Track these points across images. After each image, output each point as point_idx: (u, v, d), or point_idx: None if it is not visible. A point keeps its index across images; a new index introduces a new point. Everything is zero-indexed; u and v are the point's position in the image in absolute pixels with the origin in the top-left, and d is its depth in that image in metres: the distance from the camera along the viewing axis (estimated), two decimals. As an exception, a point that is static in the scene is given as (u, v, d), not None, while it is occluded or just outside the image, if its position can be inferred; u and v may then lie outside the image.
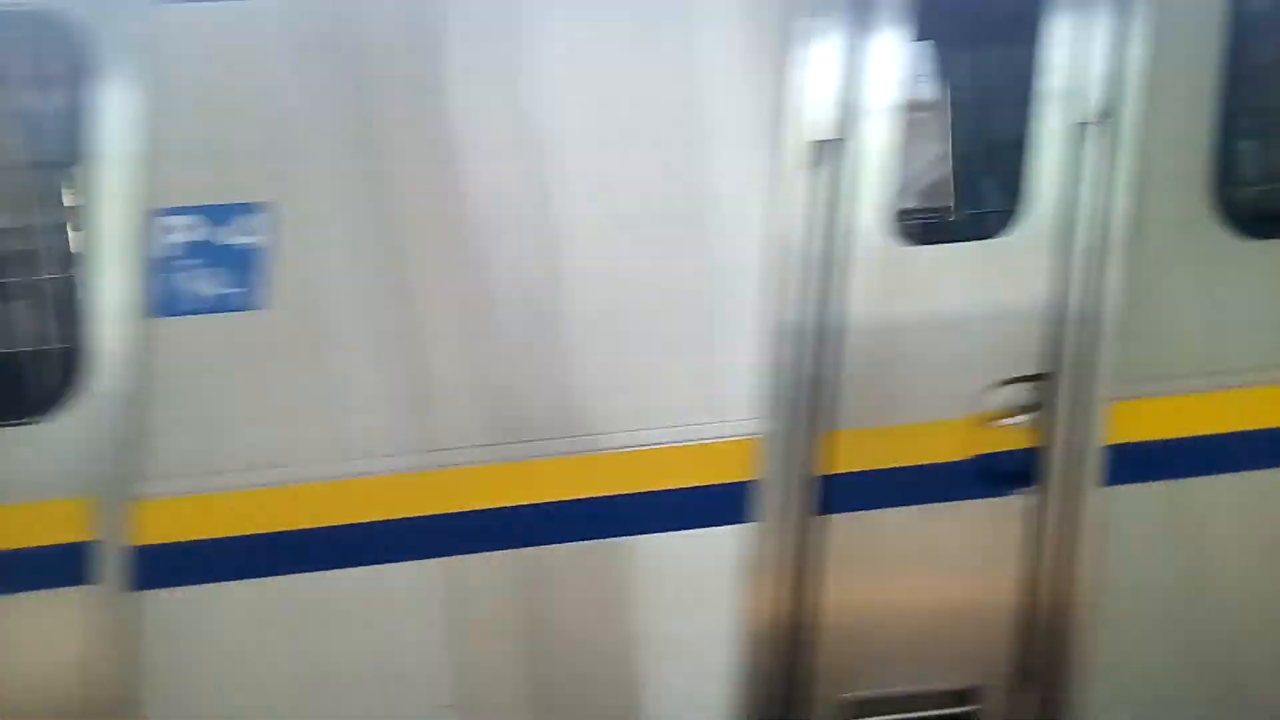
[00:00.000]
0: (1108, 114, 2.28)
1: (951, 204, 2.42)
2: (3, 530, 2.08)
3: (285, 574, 2.18)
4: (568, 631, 2.33)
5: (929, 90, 2.39)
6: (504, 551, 2.27)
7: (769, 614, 2.36)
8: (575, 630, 2.33)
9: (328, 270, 2.17)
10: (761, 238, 2.26)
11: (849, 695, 2.42)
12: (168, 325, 2.12)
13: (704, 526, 2.32)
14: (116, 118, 2.03)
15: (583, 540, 2.30)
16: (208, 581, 2.17)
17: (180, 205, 2.11)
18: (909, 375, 2.34)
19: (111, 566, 2.12)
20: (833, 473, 2.35)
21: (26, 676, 2.15)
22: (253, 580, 2.18)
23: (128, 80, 2.03)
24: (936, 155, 2.40)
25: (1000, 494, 2.37)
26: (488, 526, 2.24)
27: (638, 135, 2.23)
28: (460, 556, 2.23)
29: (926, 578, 2.40)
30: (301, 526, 2.18)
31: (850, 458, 2.35)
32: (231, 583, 2.18)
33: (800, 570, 2.36)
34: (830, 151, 2.25)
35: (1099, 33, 2.27)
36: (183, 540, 2.15)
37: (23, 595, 2.12)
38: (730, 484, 2.32)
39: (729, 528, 2.32)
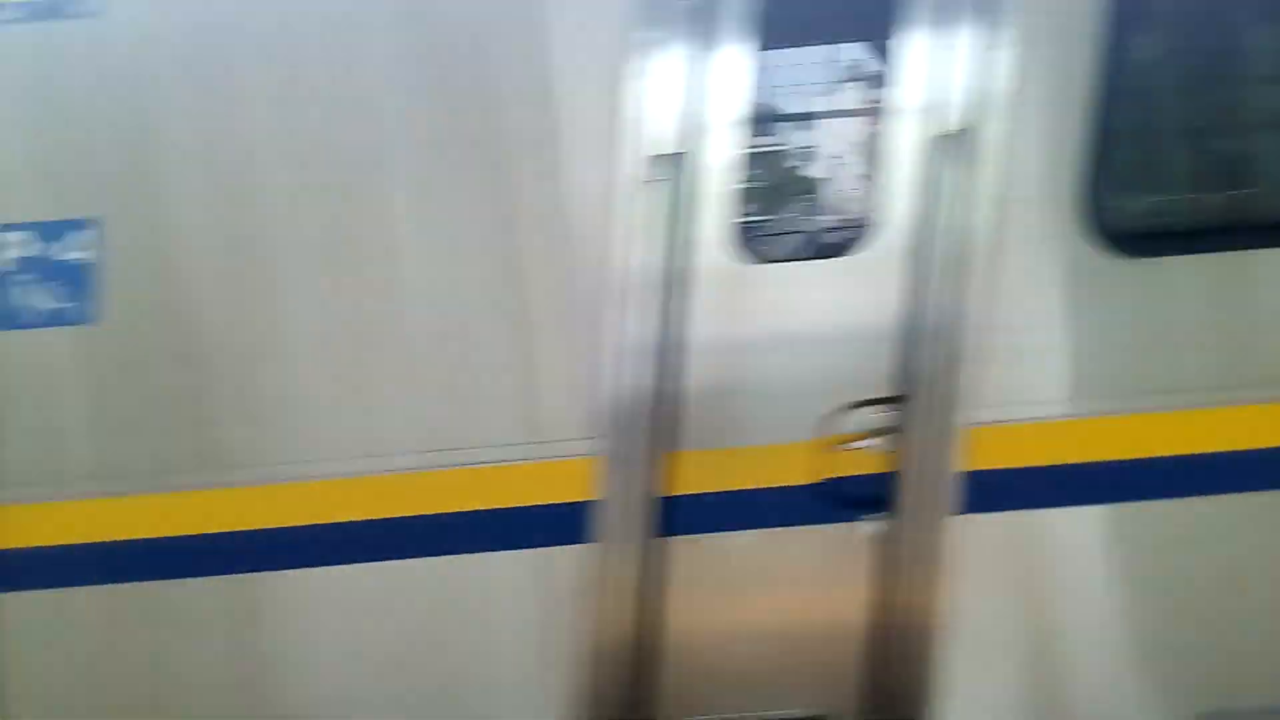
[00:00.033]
0: (968, 128, 2.16)
1: (799, 220, 2.33)
2: None
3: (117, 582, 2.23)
4: (404, 650, 2.33)
5: (776, 103, 2.28)
6: (339, 568, 2.28)
7: (611, 636, 2.33)
8: (410, 649, 2.33)
9: (158, 285, 2.19)
10: (602, 254, 2.21)
11: (696, 718, 2.38)
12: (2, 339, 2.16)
13: (542, 546, 2.30)
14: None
15: (418, 557, 2.29)
16: (46, 587, 2.23)
17: (12, 221, 2.15)
18: (754, 396, 2.27)
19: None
20: (675, 494, 2.30)
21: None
22: (88, 587, 2.24)
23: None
24: (784, 170, 2.30)
25: (849, 519, 2.29)
26: (317, 542, 2.25)
27: (474, 150, 2.19)
28: (287, 571, 2.25)
29: (773, 602, 2.34)
30: (133, 537, 2.22)
31: (693, 479, 2.30)
32: (69, 589, 2.24)
33: (642, 592, 2.32)
34: (671, 166, 2.18)
35: (960, 44, 2.15)
36: (20, 547, 2.21)
37: None
38: (569, 504, 2.29)
39: (568, 548, 2.29)
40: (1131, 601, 2.23)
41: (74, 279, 2.16)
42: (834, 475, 2.28)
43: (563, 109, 2.18)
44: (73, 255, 2.16)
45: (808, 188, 2.29)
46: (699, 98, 2.17)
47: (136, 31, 2.14)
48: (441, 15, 2.19)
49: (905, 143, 2.18)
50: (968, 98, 2.16)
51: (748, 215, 2.22)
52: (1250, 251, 2.18)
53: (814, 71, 2.23)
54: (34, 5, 2.13)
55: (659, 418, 2.26)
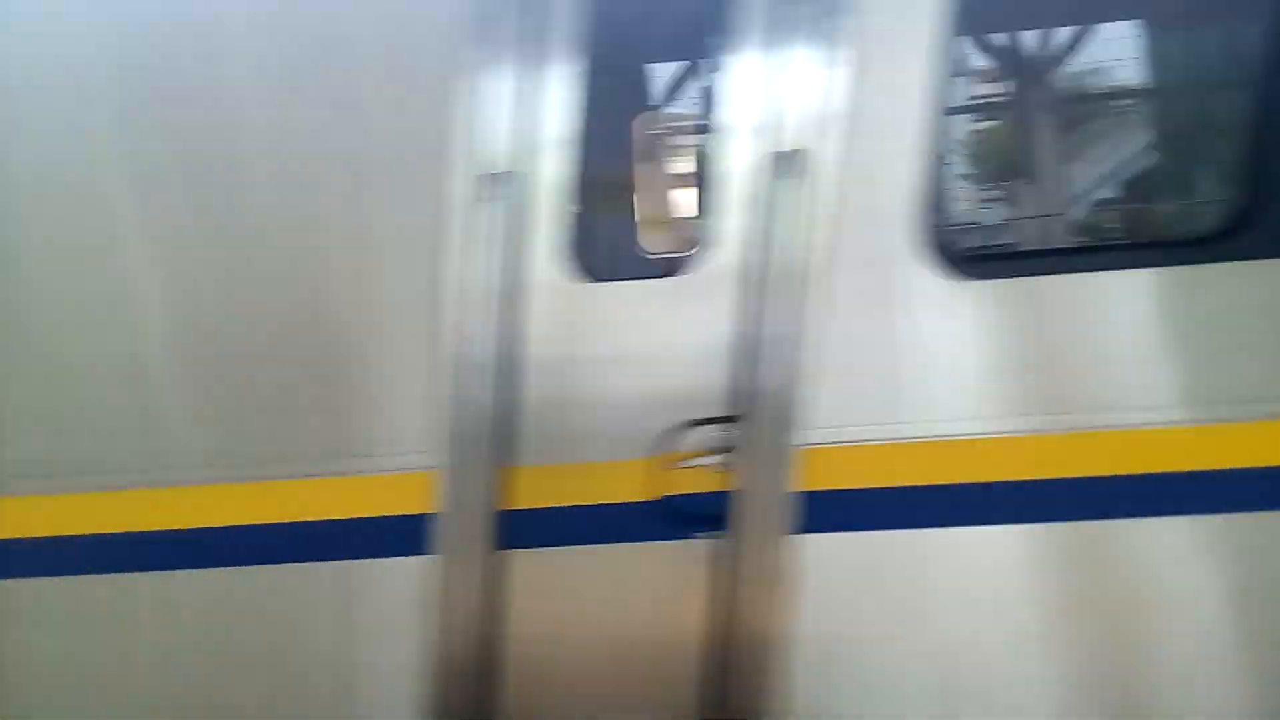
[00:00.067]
0: (802, 148, 2.14)
1: (632, 239, 2.32)
2: None
3: None
4: (254, 655, 2.38)
5: (611, 123, 2.27)
6: (175, 573, 2.33)
7: (455, 647, 2.36)
8: (259, 654, 2.38)
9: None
10: (438, 271, 2.22)
11: (537, 728, 2.41)
12: None
13: (385, 557, 2.33)
14: None
15: (264, 564, 2.34)
16: None
17: None
18: (592, 413, 2.28)
19: None
20: (514, 508, 2.31)
21: None
22: None
23: None
24: (618, 189, 2.29)
25: (686, 536, 2.29)
26: (154, 549, 2.30)
27: (311, 169, 2.21)
28: (132, 573, 2.31)
29: (612, 617, 2.35)
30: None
31: (532, 494, 2.31)
32: None
33: (484, 605, 2.34)
34: (504, 184, 2.18)
35: (795, 63, 2.13)
36: None
37: None
38: (409, 516, 2.31)
39: (411, 559, 2.32)
40: (964, 622, 2.21)
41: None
42: (672, 493, 2.28)
43: (399, 127, 2.19)
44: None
45: (641, 206, 2.28)
46: (531, 117, 2.17)
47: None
48: (288, 34, 2.20)
49: (739, 162, 2.16)
50: (803, 117, 2.14)
51: (581, 233, 2.22)
52: (1086, 274, 2.13)
53: (647, 90, 2.21)
54: None
55: (497, 433, 2.27)
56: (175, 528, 2.29)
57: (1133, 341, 2.13)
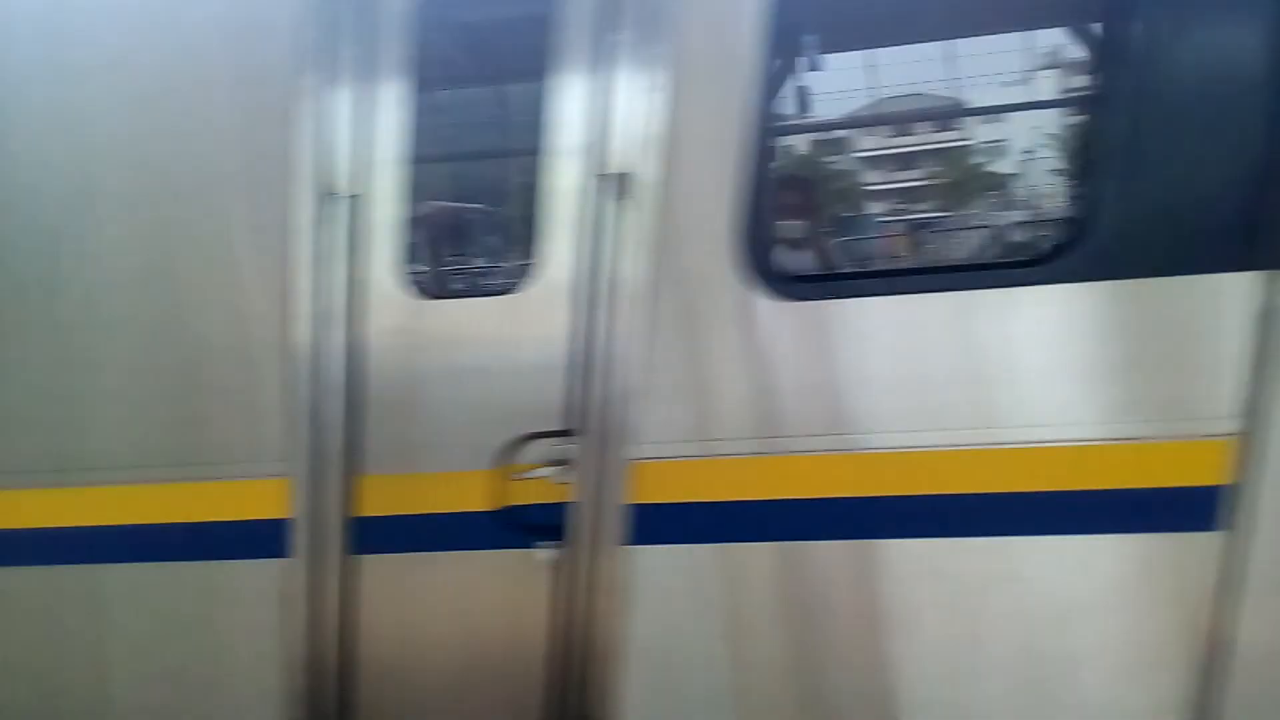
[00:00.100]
0: (627, 170, 2.20)
1: (466, 259, 2.40)
2: None
3: None
4: (136, 649, 2.52)
5: (444, 144, 2.35)
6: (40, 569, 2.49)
7: (313, 647, 2.47)
8: (136, 650, 2.52)
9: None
10: (287, 287, 2.33)
11: (392, 725, 2.51)
12: None
13: (246, 559, 2.46)
14: None
15: (136, 562, 2.48)
16: None
17: None
18: (434, 426, 2.37)
19: None
20: (365, 515, 2.42)
21: None
22: None
23: None
24: (451, 210, 2.38)
25: (526, 546, 2.37)
26: (37, 545, 2.45)
27: (168, 187, 2.34)
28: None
29: (459, 623, 2.44)
30: None
31: (381, 502, 2.41)
32: None
33: (339, 608, 2.45)
34: (341, 206, 2.29)
35: (619, 86, 2.19)
36: None
37: None
38: (266, 520, 2.43)
39: (270, 561, 2.44)
40: (787, 632, 2.26)
41: None
42: (512, 503, 2.36)
43: (247, 147, 2.31)
44: None
45: (477, 226, 2.36)
46: (368, 140, 2.27)
47: None
48: (146, 56, 2.33)
49: (566, 183, 2.23)
50: (626, 141, 2.20)
51: (419, 253, 2.31)
52: (905, 296, 2.16)
53: (480, 113, 2.29)
54: None
55: (347, 444, 2.38)
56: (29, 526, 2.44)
57: (947, 363, 2.15)
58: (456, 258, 2.42)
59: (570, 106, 2.21)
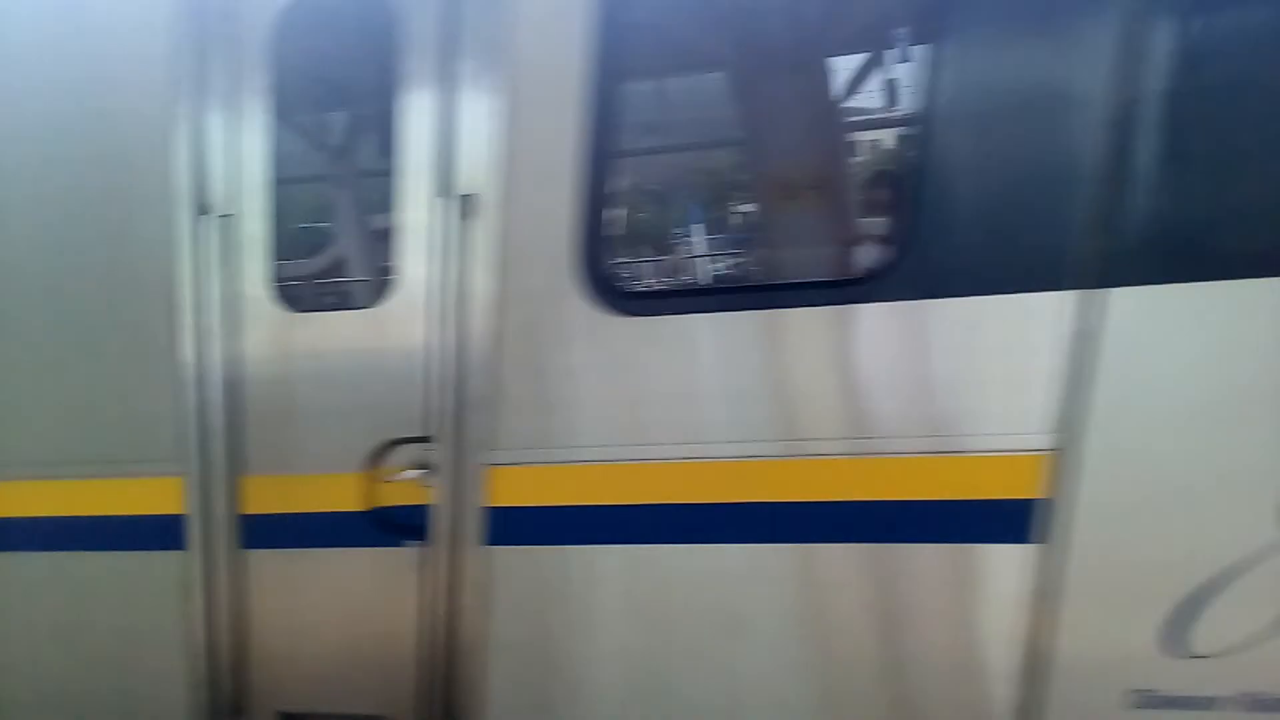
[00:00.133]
0: (470, 191, 2.31)
1: (331, 273, 2.53)
2: None
3: None
4: (52, 634, 2.74)
5: (308, 166, 2.48)
6: None
7: (210, 633, 2.66)
8: (52, 634, 2.74)
9: None
10: (174, 300, 2.50)
11: (283, 709, 2.69)
12: None
13: (146, 550, 2.65)
14: None
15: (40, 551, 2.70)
16: None
17: None
18: (308, 431, 2.52)
19: None
20: (251, 513, 2.59)
21: None
22: None
23: None
24: (317, 227, 2.51)
25: (395, 544, 2.52)
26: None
27: (59, 210, 2.52)
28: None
29: (337, 614, 2.60)
30: None
31: (264, 501, 2.58)
32: None
33: (230, 598, 2.64)
34: (216, 225, 2.44)
35: (459, 112, 2.30)
36: None
37: None
38: (162, 516, 2.62)
39: (172, 553, 2.63)
40: (634, 630, 2.36)
41: None
42: (382, 504, 2.50)
43: (129, 172, 2.47)
44: None
45: (339, 243, 2.49)
46: (238, 162, 2.41)
47: None
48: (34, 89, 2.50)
49: (417, 203, 2.35)
50: (471, 163, 2.31)
51: (289, 268, 2.45)
52: (738, 313, 2.23)
53: (339, 137, 2.41)
54: None
55: (231, 446, 2.54)
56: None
57: (774, 376, 2.22)
58: (324, 272, 2.55)
59: (418, 131, 2.32)
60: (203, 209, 2.46)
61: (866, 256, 2.16)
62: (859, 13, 2.33)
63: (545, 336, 2.33)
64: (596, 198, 2.25)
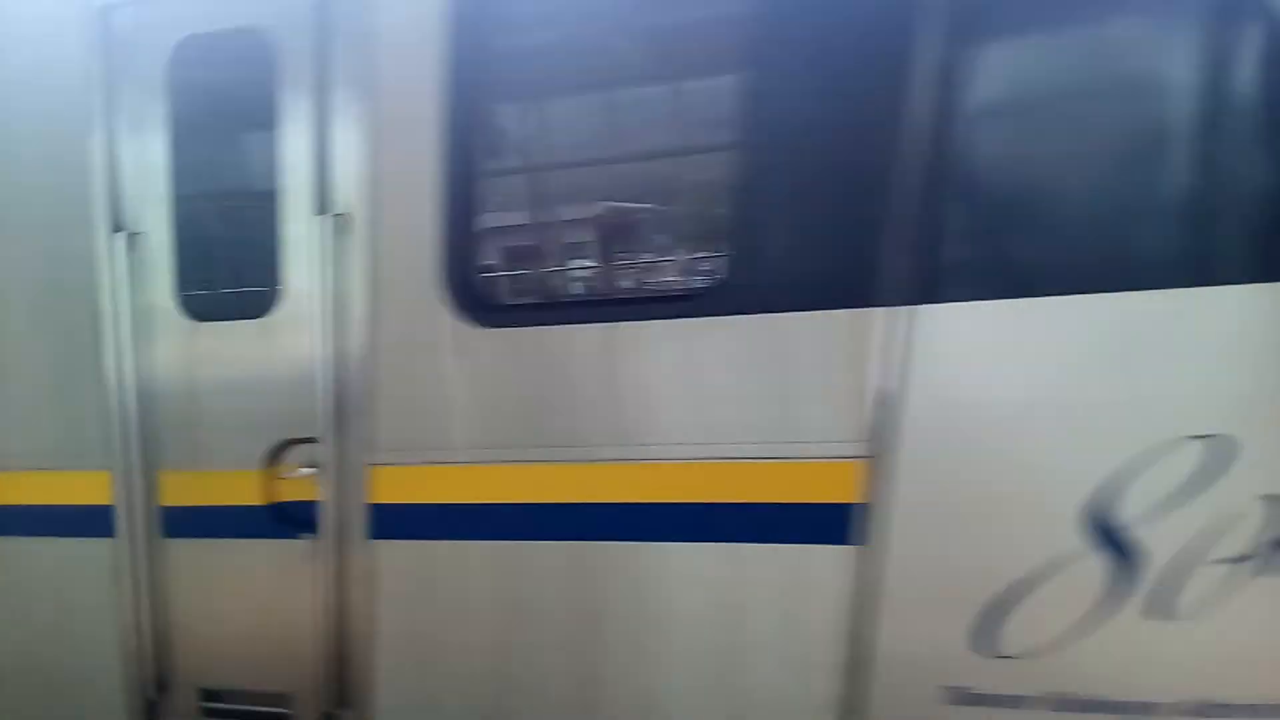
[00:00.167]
0: (344, 211, 2.50)
1: (225, 285, 2.75)
2: None
3: None
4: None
5: (205, 186, 2.70)
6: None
7: (136, 614, 2.92)
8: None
9: None
10: (92, 311, 2.75)
11: (204, 685, 2.94)
12: None
13: (83, 536, 2.91)
14: None
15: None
16: None
17: None
18: (214, 430, 2.75)
19: None
20: (168, 505, 2.83)
21: None
22: None
23: None
24: (217, 242, 2.72)
25: (292, 536, 2.73)
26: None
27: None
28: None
29: (246, 600, 2.83)
30: None
31: (179, 494, 2.82)
32: None
33: (153, 580, 2.89)
34: (126, 241, 2.68)
35: (333, 138, 2.49)
36: None
37: None
38: (94, 506, 2.88)
39: (105, 539, 2.89)
40: (505, 622, 2.54)
41: None
42: (280, 500, 2.72)
43: (52, 194, 2.72)
44: None
45: (236, 256, 2.70)
46: (145, 183, 2.65)
47: None
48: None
49: (298, 221, 2.55)
50: (345, 185, 2.50)
51: (192, 281, 2.68)
52: (589, 325, 2.38)
53: (232, 160, 2.62)
54: None
55: (145, 444, 2.79)
56: None
57: (620, 386, 2.36)
58: (223, 284, 2.78)
59: (295, 155, 2.51)
60: (117, 227, 2.69)
61: (699, 274, 2.28)
62: (685, 43, 2.45)
63: (415, 347, 2.51)
64: (457, 216, 2.42)
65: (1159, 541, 2.05)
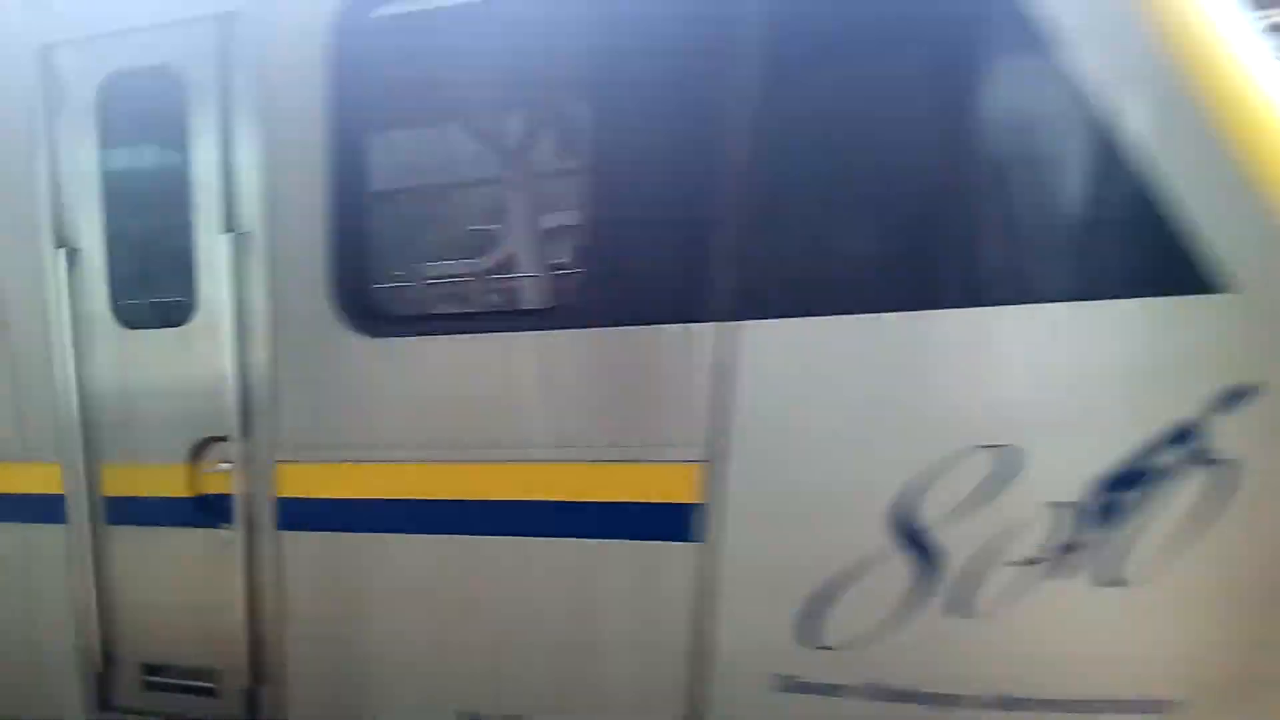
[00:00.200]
0: (245, 229, 2.76)
1: (151, 295, 3.02)
2: None
3: None
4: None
5: (129, 205, 2.98)
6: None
7: (86, 594, 3.22)
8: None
9: None
10: (43, 320, 3.05)
11: (145, 660, 3.23)
12: None
13: (39, 523, 3.22)
14: None
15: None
16: None
17: None
18: (146, 428, 3.03)
19: None
20: (111, 495, 3.13)
21: None
22: None
23: None
24: (141, 256, 3.00)
25: (214, 526, 3.00)
26: None
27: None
28: None
29: (177, 583, 3.11)
30: None
31: (119, 485, 3.11)
32: None
33: (99, 564, 3.18)
34: (66, 256, 2.97)
35: (236, 162, 2.75)
36: None
37: None
38: (47, 495, 3.18)
39: (59, 525, 3.19)
40: (398, 610, 2.77)
41: None
42: (204, 492, 2.99)
43: (6, 211, 3.02)
44: None
45: (160, 270, 2.98)
46: (79, 202, 2.94)
47: None
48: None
49: (206, 237, 2.81)
50: (247, 205, 2.75)
51: (124, 291, 2.96)
52: (465, 336, 2.60)
53: (153, 182, 2.90)
54: None
55: (88, 439, 3.08)
56: None
57: (485, 392, 2.57)
58: (149, 294, 3.05)
59: (207, 178, 2.77)
60: (59, 243, 2.98)
61: (555, 290, 2.47)
62: (533, 77, 2.64)
63: (310, 354, 2.75)
64: (346, 235, 2.65)
65: (956, 544, 2.19)
